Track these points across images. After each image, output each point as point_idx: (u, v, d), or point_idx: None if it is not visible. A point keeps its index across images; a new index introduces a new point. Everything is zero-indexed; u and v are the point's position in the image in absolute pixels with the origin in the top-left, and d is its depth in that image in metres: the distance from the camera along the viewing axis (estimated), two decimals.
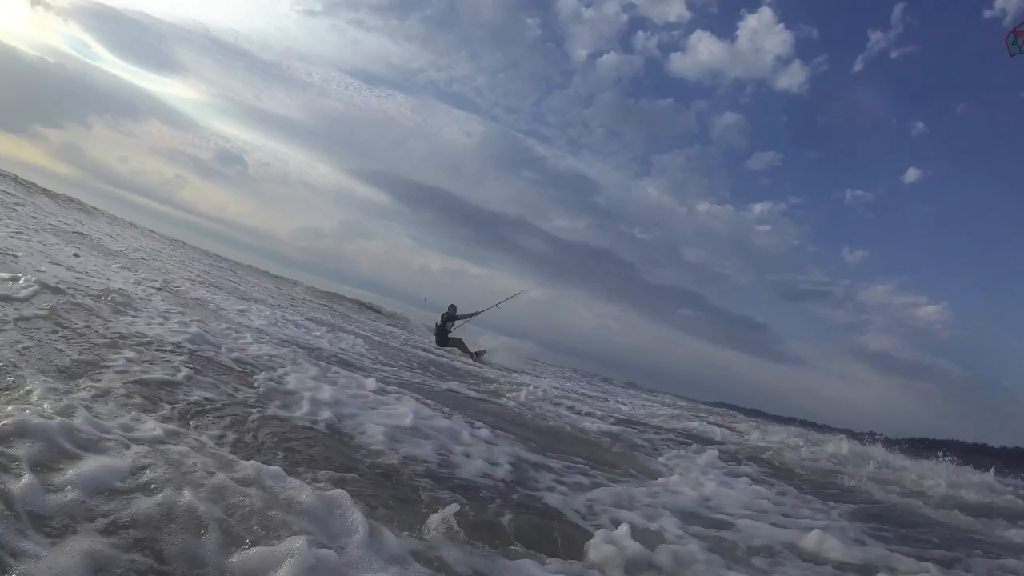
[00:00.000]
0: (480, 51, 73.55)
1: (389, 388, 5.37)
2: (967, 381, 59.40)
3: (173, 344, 4.41)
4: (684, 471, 5.05)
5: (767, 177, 67.85)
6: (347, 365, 6.39)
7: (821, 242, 68.84)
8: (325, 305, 20.16)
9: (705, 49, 61.69)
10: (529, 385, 9.23)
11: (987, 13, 49.14)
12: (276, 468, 2.37)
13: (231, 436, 2.92)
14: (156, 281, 8.53)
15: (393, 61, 76.23)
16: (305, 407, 3.81)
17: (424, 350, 13.48)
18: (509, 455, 4.02)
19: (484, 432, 4.54)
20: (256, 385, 4.05)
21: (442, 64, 73.81)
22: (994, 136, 64.16)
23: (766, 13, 58.98)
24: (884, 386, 64.63)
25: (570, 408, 8.51)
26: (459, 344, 14.66)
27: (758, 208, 67.01)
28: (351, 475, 2.85)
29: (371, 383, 5.19)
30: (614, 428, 7.20)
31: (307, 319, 11.26)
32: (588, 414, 8.27)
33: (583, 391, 13.59)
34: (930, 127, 60.71)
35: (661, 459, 5.63)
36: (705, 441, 8.12)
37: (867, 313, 65.90)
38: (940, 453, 9.73)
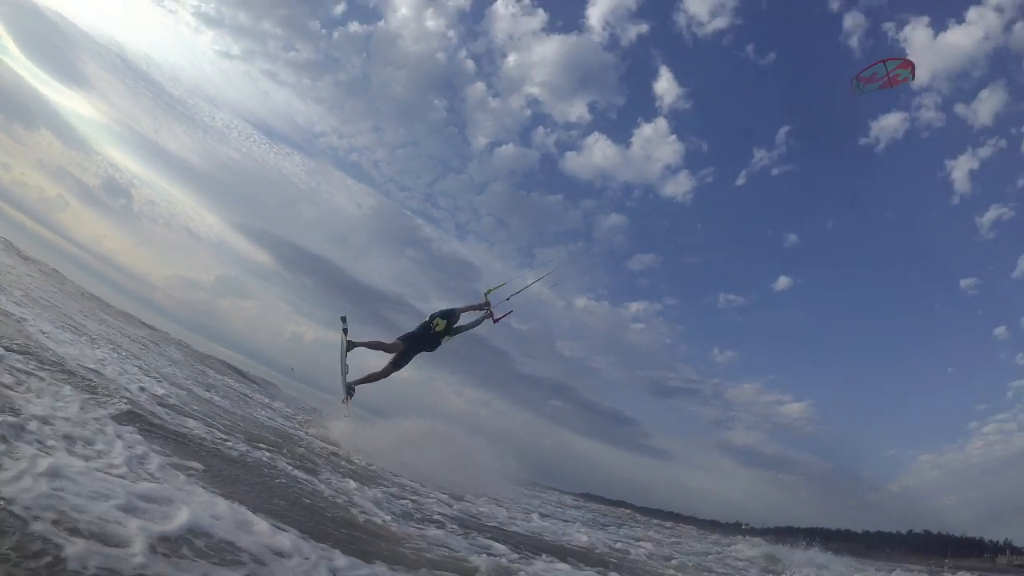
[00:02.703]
0: (384, 124, 74.98)
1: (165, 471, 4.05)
2: (829, 472, 65.42)
3: None
4: None
5: (645, 278, 73.37)
6: (150, 427, 4.90)
7: (693, 342, 74.58)
8: (188, 361, 17.30)
9: (600, 151, 67.66)
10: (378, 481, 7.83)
11: (862, 140, 59.73)
12: None
13: None
14: None
15: (298, 120, 75.51)
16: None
17: (276, 418, 11.61)
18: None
19: (289, 540, 3.39)
20: None
21: (345, 131, 74.25)
22: (859, 251, 75.09)
23: (661, 124, 66.54)
24: (750, 478, 68.47)
25: (412, 505, 6.91)
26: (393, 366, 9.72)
27: (634, 307, 71.77)
28: None
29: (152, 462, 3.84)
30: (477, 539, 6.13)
31: (144, 367, 9.19)
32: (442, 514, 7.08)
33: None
34: (802, 240, 70.41)
35: None
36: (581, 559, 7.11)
37: (734, 410, 70.67)
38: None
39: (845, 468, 67.65)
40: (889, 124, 58.25)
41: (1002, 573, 43.30)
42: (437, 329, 9.82)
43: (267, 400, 15.24)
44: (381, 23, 67.40)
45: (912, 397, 71.90)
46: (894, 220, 68.68)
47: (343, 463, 8.13)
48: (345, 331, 10.31)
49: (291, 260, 74.57)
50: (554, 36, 65.89)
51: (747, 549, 13.97)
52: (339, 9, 68.15)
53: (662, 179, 67.59)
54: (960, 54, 53.12)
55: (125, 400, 5.64)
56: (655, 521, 22.12)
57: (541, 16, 64.32)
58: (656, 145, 66.41)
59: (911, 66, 11.59)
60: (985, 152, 55.66)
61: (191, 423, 6.20)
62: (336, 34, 67.45)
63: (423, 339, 9.78)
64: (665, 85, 66.06)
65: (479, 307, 10.34)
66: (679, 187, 66.41)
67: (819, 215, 78.69)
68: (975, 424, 62.60)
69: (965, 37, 53.19)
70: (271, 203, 77.04)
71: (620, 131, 79.88)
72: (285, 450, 6.82)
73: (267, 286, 77.66)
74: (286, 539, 3.17)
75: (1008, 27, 50.73)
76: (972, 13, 52.84)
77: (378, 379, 9.94)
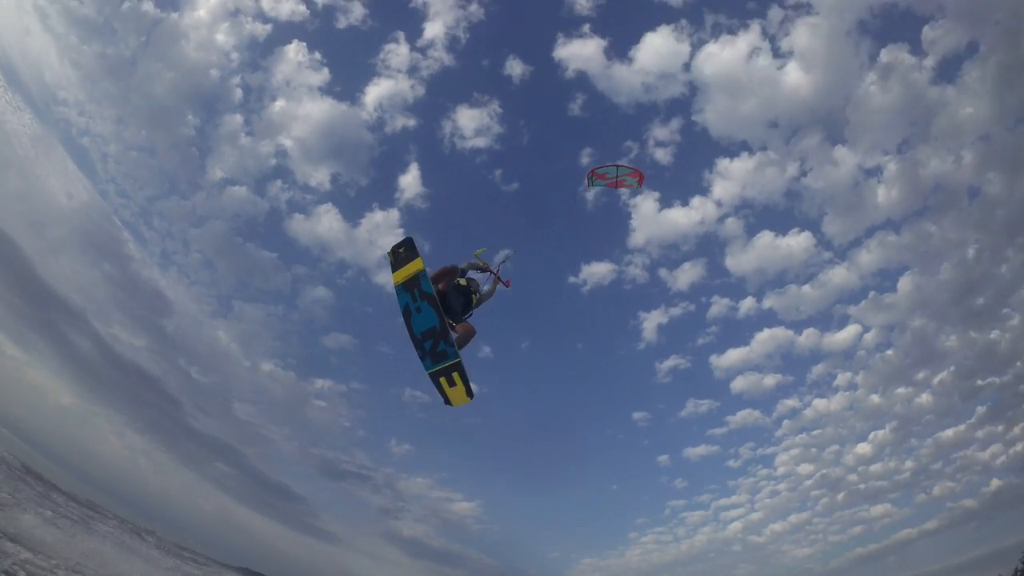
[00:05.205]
0: (130, 119, 62.86)
1: None
2: (495, 569, 72.73)
3: None
4: None
5: (337, 357, 70.95)
6: None
7: (372, 429, 75.14)
8: None
9: (327, 223, 66.73)
10: None
11: (571, 279, 69.96)
12: None
13: None
14: None
15: (46, 76, 59.69)
16: None
17: None
18: None
19: None
20: None
21: (87, 110, 60.90)
22: (547, 372, 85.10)
23: (393, 215, 68.16)
24: (416, 570, 71.45)
25: None
26: (467, 332, 9.10)
27: (320, 383, 69.77)
28: None
29: None
30: None
31: None
32: None
33: None
34: (496, 353, 72.20)
35: None
36: None
37: (404, 501, 71.91)
38: None
39: (511, 566, 76.08)
40: (599, 271, 70.18)
41: None
42: (462, 283, 9.09)
43: None
44: (175, 15, 58.43)
45: (579, 507, 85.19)
46: (585, 353, 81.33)
47: None
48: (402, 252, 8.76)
49: None
50: (327, 99, 65.10)
51: None
52: None
53: (377, 266, 68.36)
54: (676, 230, 67.45)
55: None
56: None
57: (324, 75, 63.18)
58: (383, 233, 67.09)
59: (640, 176, 12.34)
60: (675, 312, 70.16)
61: None
62: (127, 5, 56.04)
63: (457, 293, 8.94)
64: (410, 180, 68.85)
65: (481, 268, 9.52)
66: (391, 278, 67.93)
67: (517, 335, 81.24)
68: (635, 534, 74.03)
69: (684, 217, 67.69)
70: None
71: (353, 210, 78.27)
72: None
73: None
74: None
75: (721, 219, 66.81)
76: (696, 200, 67.29)
77: (471, 338, 9.15)
